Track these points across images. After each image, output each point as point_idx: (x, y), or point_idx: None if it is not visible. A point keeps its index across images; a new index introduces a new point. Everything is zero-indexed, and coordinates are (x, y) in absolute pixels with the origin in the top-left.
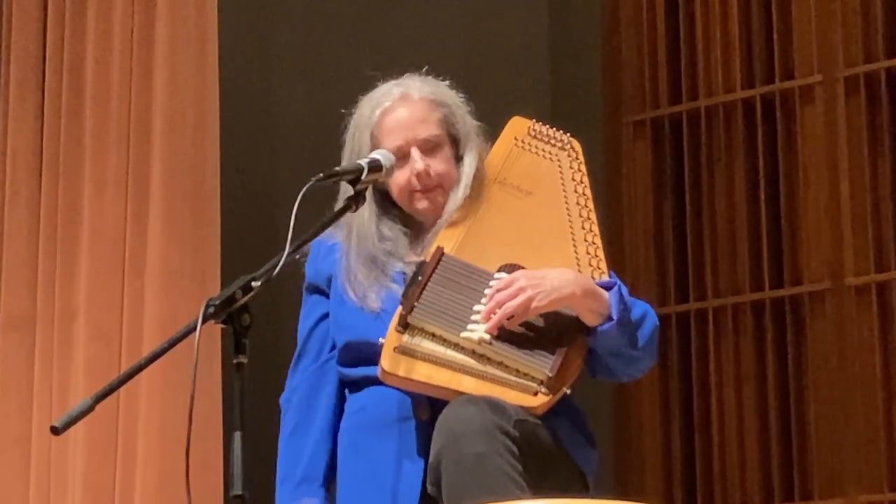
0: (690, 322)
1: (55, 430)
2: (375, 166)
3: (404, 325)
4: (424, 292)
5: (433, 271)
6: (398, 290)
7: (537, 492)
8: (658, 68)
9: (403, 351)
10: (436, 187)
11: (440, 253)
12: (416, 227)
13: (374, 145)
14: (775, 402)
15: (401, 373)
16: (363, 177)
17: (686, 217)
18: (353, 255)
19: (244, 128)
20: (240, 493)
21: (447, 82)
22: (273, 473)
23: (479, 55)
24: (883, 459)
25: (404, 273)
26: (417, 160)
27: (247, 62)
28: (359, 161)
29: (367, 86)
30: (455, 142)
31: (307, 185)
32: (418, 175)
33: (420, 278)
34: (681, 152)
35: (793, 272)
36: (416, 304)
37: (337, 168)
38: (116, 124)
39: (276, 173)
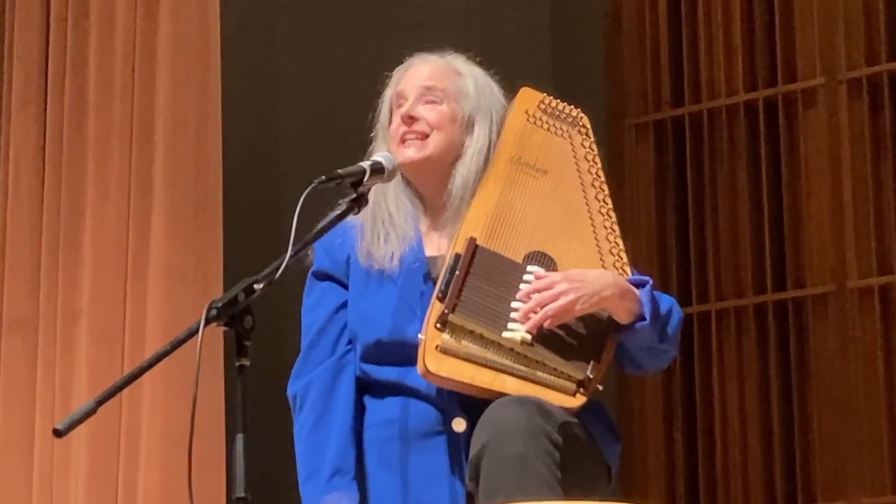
0: (693, 325)
1: (58, 433)
2: (377, 168)
3: (444, 323)
4: (464, 289)
5: (470, 265)
6: (409, 255)
7: (569, 489)
8: (660, 71)
9: (445, 350)
10: (418, 134)
11: (474, 245)
12: (428, 197)
13: (390, 105)
14: (778, 404)
15: (444, 374)
16: (365, 179)
17: (689, 220)
18: (370, 219)
19: (247, 129)
20: (242, 495)
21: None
22: (277, 475)
23: (481, 57)
24: (886, 462)
25: (422, 239)
26: (406, 105)
27: (249, 64)
28: (361, 164)
29: (371, 88)
30: (467, 113)
31: (309, 188)
32: (402, 118)
33: (457, 273)
34: (683, 155)
35: (795, 275)
36: (457, 301)
37: (339, 171)
38: (119, 126)
39: (279, 175)
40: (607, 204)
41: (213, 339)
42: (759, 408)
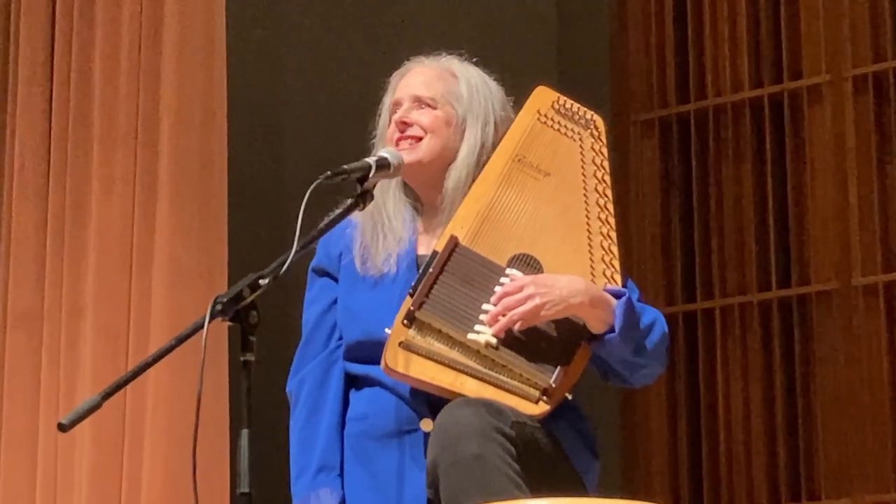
0: (697, 321)
1: (62, 427)
2: (383, 164)
3: (411, 319)
4: (435, 287)
5: (445, 263)
6: (404, 256)
7: (536, 493)
8: (666, 67)
9: (408, 347)
10: (412, 136)
11: (454, 243)
12: (425, 200)
13: (389, 112)
14: (782, 401)
15: (401, 369)
16: (371, 175)
17: (693, 216)
18: (368, 220)
19: (252, 125)
20: (246, 490)
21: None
22: (280, 471)
23: (486, 54)
24: (890, 459)
25: (415, 245)
26: (401, 111)
27: (254, 59)
28: (366, 159)
29: (376, 83)
30: (461, 116)
31: (314, 184)
32: (396, 123)
33: (431, 270)
34: (688, 152)
35: (800, 272)
36: (425, 299)
37: (344, 166)
38: (124, 122)
39: (284, 170)
40: (607, 210)
41: (218, 334)
42: (763, 405)
